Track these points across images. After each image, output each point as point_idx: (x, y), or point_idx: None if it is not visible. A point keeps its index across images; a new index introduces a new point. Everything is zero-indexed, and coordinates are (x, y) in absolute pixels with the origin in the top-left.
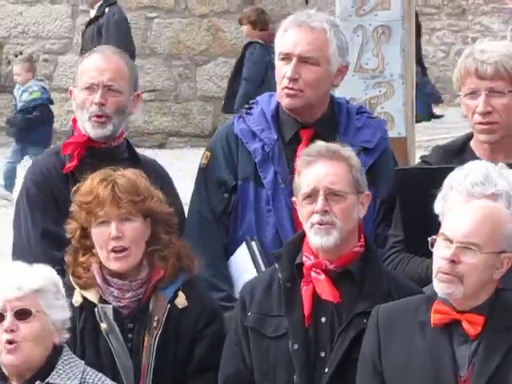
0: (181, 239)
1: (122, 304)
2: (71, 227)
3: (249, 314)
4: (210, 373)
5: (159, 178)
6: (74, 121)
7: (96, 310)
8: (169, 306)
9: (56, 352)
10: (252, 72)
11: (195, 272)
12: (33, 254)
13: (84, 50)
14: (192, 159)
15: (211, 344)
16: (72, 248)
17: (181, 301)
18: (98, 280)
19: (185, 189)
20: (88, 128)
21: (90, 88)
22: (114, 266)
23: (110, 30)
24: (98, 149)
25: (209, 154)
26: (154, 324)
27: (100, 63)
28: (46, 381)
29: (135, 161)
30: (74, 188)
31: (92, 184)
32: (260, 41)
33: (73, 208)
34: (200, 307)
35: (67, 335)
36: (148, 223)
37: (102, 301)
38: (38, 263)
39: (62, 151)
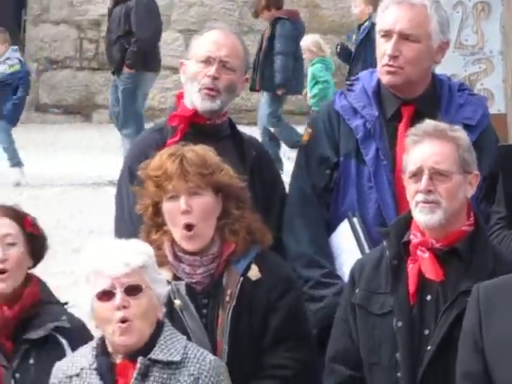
0: (253, 213)
1: (194, 280)
2: (143, 204)
3: (357, 291)
4: (286, 345)
5: (260, 156)
6: (179, 96)
7: (169, 287)
8: (241, 279)
9: (158, 328)
10: (287, 46)
11: (268, 245)
12: (134, 232)
13: (110, 31)
14: None
15: (286, 315)
16: (145, 226)
17: (254, 273)
18: (170, 257)
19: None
20: (197, 100)
21: (206, 61)
22: (186, 245)
23: (139, 12)
24: (201, 125)
25: (310, 130)
26: (227, 298)
27: (219, 39)
28: (149, 357)
29: (237, 139)
30: (143, 164)
31: (161, 159)
32: (286, 17)
33: (144, 183)
34: (274, 279)
35: (165, 310)
36: (219, 198)
37: (176, 278)
38: (137, 238)
39: (168, 122)
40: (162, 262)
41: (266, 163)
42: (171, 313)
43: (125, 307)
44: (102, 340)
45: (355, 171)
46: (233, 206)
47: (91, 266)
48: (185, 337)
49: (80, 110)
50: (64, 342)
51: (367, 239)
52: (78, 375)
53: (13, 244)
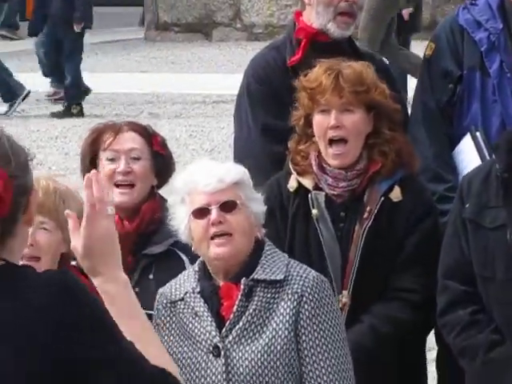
0: (404, 136)
1: (335, 192)
2: (297, 114)
3: (466, 206)
4: (416, 269)
5: (380, 72)
6: (297, 14)
7: (309, 196)
8: (382, 198)
9: (259, 247)
10: None
11: (415, 170)
12: (253, 149)
13: None
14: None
15: (422, 240)
16: (295, 135)
17: (395, 194)
18: (315, 167)
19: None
20: (331, 27)
21: None
22: (334, 163)
23: None
24: (322, 43)
25: (433, 45)
26: (366, 215)
27: None
28: (252, 277)
29: (357, 55)
30: (303, 74)
31: (318, 71)
32: None
33: (298, 94)
34: (415, 202)
35: (264, 231)
36: (371, 117)
37: (317, 188)
38: (258, 158)
39: (295, 34)
40: (305, 171)
41: (386, 80)
42: (307, 222)
43: (220, 223)
44: (204, 263)
45: (479, 84)
46: (384, 127)
47: (186, 185)
48: (286, 255)
49: (200, 28)
50: (184, 257)
51: (490, 153)
52: (182, 300)
53: (137, 158)
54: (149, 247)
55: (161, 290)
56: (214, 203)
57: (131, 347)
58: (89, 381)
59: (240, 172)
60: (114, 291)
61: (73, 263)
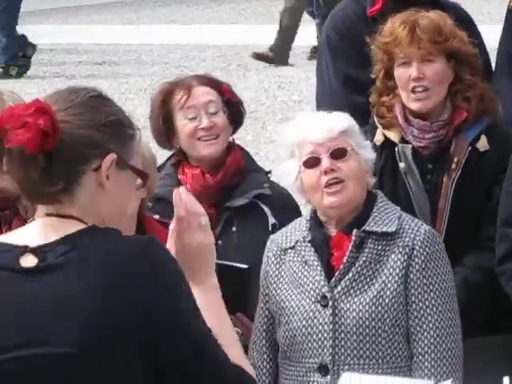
0: (485, 82)
1: (421, 144)
2: (375, 68)
3: None
4: None
5: (462, 21)
6: None
7: (396, 149)
8: (469, 148)
9: (371, 199)
10: None
11: (498, 115)
12: (335, 101)
13: None
14: (501, 3)
15: None
16: (376, 88)
17: (482, 144)
18: (400, 120)
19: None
20: None
21: None
22: (414, 106)
23: None
24: None
25: None
26: (453, 166)
27: None
28: (363, 228)
29: (437, 4)
30: (379, 30)
31: (393, 25)
32: None
33: (374, 50)
34: (502, 151)
35: (375, 180)
36: (451, 65)
37: (403, 141)
38: (340, 109)
39: None
40: (390, 124)
41: (469, 29)
42: (395, 175)
43: (332, 170)
44: (316, 212)
45: None
46: (465, 73)
47: (295, 136)
48: (398, 207)
49: None
50: (266, 209)
51: None
52: (292, 248)
53: (216, 111)
54: (232, 199)
55: (272, 237)
56: (324, 151)
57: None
58: (173, 367)
59: (348, 120)
60: (204, 295)
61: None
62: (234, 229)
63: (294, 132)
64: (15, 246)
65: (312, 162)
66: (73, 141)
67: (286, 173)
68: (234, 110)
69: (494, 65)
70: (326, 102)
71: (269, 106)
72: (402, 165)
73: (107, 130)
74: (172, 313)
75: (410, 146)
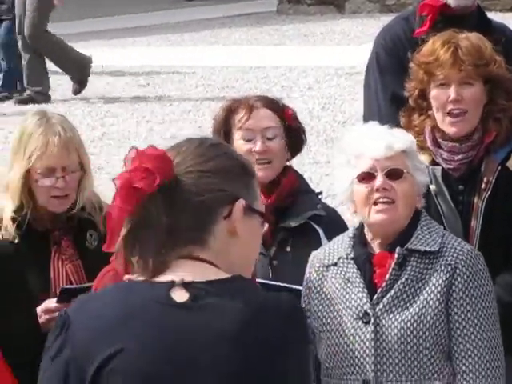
0: None
1: (451, 166)
2: (410, 86)
3: None
4: None
5: (509, 43)
6: None
7: (427, 171)
8: (499, 168)
9: (415, 217)
10: None
11: None
12: (382, 118)
13: None
14: None
15: None
16: (408, 108)
17: None
18: (429, 143)
19: None
20: None
21: None
22: (451, 131)
23: None
24: (451, 15)
25: None
26: (483, 185)
27: None
28: (406, 247)
29: (486, 27)
30: (418, 49)
31: (434, 45)
32: None
33: (412, 68)
34: None
35: (423, 201)
36: (487, 88)
37: (434, 163)
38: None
39: (418, 11)
40: (421, 147)
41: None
42: (426, 197)
43: (385, 189)
44: (360, 230)
45: None
46: (500, 98)
47: (353, 147)
48: (442, 226)
49: (332, 1)
50: (320, 230)
51: None
52: (335, 264)
53: (273, 137)
54: (287, 220)
55: (314, 253)
56: (380, 169)
57: None
58: None
59: (408, 140)
60: None
61: None
62: (288, 249)
63: (353, 142)
64: (161, 281)
65: (366, 177)
66: (200, 191)
67: (339, 179)
68: (294, 137)
69: None
70: (372, 118)
71: (313, 127)
72: (432, 187)
73: (233, 177)
74: (301, 375)
75: (440, 168)
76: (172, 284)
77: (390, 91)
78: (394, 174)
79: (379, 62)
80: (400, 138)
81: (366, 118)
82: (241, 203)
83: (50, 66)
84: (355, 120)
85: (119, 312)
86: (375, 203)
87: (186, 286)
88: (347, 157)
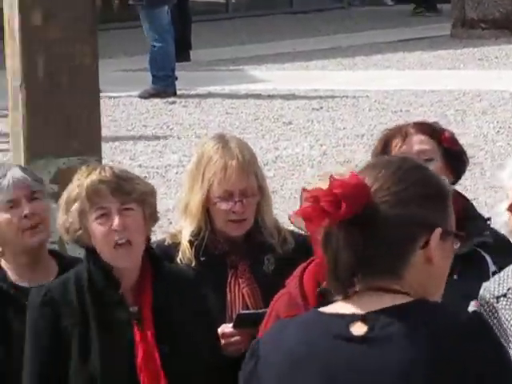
0: None
1: None
2: None
3: None
4: None
5: None
6: None
7: None
8: None
9: None
10: None
11: None
12: None
13: None
14: None
15: None
16: None
17: None
18: None
19: None
20: None
21: None
22: None
23: None
24: None
25: None
26: None
27: None
28: None
29: None
30: None
31: None
32: None
33: None
34: None
35: None
36: None
37: None
38: None
39: None
40: None
41: None
42: None
43: None
44: None
45: None
46: None
47: (508, 181)
48: None
49: (507, 24)
50: (487, 257)
51: None
52: (504, 295)
53: (429, 160)
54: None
55: (485, 285)
56: None
57: None
58: None
59: None
60: None
61: None
62: (455, 277)
63: (508, 176)
64: (344, 314)
65: None
66: (398, 221)
67: (498, 213)
68: (455, 159)
69: None
70: None
71: (487, 151)
72: None
73: (431, 206)
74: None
75: None
76: (353, 317)
77: None
78: None
79: None
80: None
81: None
82: (438, 232)
83: None
84: None
85: (302, 349)
86: None
87: (365, 317)
88: (506, 190)
